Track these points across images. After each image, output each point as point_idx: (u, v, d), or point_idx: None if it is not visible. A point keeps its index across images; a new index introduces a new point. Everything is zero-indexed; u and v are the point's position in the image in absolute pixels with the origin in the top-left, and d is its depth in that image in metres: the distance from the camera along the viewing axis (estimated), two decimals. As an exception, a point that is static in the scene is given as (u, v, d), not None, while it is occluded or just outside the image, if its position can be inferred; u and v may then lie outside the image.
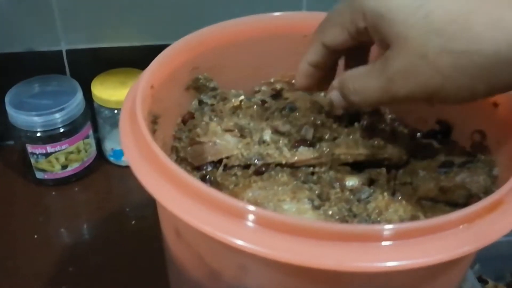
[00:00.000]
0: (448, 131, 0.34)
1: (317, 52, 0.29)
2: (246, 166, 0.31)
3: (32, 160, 0.51)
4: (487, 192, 0.29)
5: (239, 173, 0.31)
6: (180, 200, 0.23)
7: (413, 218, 0.28)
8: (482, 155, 0.30)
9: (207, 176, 0.32)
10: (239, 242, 0.21)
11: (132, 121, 0.27)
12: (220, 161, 0.32)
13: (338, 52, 0.29)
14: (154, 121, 0.30)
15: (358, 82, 0.27)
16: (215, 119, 0.34)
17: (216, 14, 0.53)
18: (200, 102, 0.35)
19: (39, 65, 0.53)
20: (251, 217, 0.22)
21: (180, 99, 0.34)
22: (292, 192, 0.29)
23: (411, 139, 0.34)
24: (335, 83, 0.29)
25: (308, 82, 0.30)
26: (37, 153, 0.51)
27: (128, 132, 0.26)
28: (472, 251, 0.23)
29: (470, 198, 0.29)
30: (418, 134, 0.34)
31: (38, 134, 0.50)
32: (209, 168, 0.32)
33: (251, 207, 0.22)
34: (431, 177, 0.30)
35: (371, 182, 0.31)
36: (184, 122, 0.34)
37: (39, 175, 0.52)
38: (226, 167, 0.31)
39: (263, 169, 0.30)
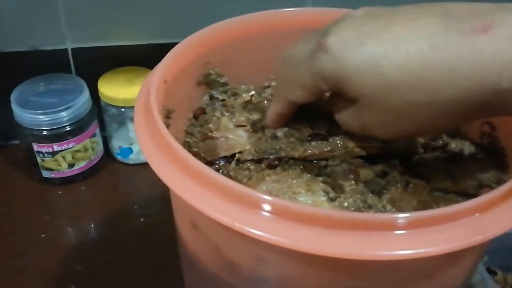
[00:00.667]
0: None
1: (282, 105, 0.30)
2: (259, 161, 0.31)
3: (39, 159, 0.51)
4: (499, 182, 0.29)
5: (252, 167, 0.31)
6: (197, 191, 0.23)
7: (427, 208, 0.28)
8: (492, 146, 0.31)
9: (220, 171, 0.32)
10: (257, 232, 0.22)
11: (147, 115, 0.27)
12: (232, 156, 0.32)
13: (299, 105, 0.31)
14: (167, 116, 0.30)
15: (343, 118, 0.29)
16: (226, 114, 0.34)
17: (221, 11, 0.53)
18: (211, 98, 0.35)
19: (44, 64, 0.53)
20: (267, 207, 0.22)
21: (192, 94, 0.34)
22: (306, 185, 0.29)
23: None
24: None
25: (276, 125, 0.32)
26: (44, 151, 0.51)
27: (143, 125, 0.27)
28: (486, 240, 0.23)
29: (481, 189, 0.30)
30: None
31: (44, 133, 0.50)
32: (222, 163, 0.32)
33: (268, 197, 0.22)
34: (443, 168, 0.31)
35: (384, 174, 0.31)
36: (195, 117, 0.34)
37: (45, 174, 0.52)
38: (238, 162, 0.31)
39: (276, 162, 0.30)
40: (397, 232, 0.22)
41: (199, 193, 0.23)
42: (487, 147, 0.31)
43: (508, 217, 0.24)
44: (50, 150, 0.51)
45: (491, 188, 0.29)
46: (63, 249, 0.47)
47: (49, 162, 0.51)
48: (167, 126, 0.30)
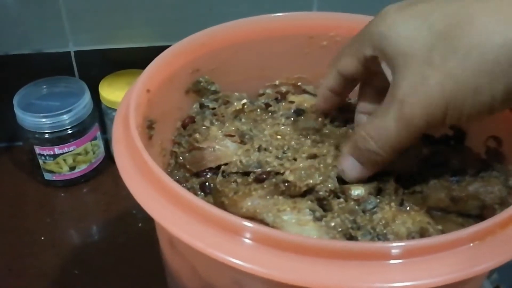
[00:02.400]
0: (462, 137, 0.32)
1: (333, 78, 0.29)
2: (246, 173, 0.30)
3: (40, 161, 0.51)
4: (503, 203, 0.27)
5: (239, 180, 0.30)
6: (171, 212, 0.22)
7: (422, 230, 0.26)
8: (497, 163, 0.28)
9: (207, 183, 0.31)
10: (233, 260, 0.20)
11: (125, 128, 0.26)
12: (219, 167, 0.31)
13: (353, 79, 0.29)
14: (150, 126, 0.29)
15: (370, 126, 0.25)
16: (216, 123, 0.33)
17: (225, 14, 0.52)
18: (202, 106, 0.34)
19: (47, 67, 0.53)
20: (247, 233, 0.21)
21: (180, 102, 0.33)
22: (293, 202, 0.27)
23: (423, 145, 0.32)
24: (345, 149, 0.27)
25: (326, 105, 0.31)
26: (45, 154, 0.51)
27: (121, 139, 0.26)
28: (485, 271, 0.22)
29: (484, 209, 0.27)
30: (430, 140, 0.33)
31: (46, 136, 0.50)
32: (209, 175, 0.31)
33: (247, 223, 0.21)
34: (442, 186, 0.28)
35: (378, 191, 0.29)
36: (184, 126, 0.33)
37: (47, 176, 0.52)
38: (224, 174, 0.30)
39: (264, 176, 0.29)
40: (391, 261, 0.21)
41: (173, 215, 0.22)
42: (492, 164, 0.29)
43: (509, 245, 0.22)
44: (52, 153, 0.50)
45: (494, 209, 0.27)
46: (62, 252, 0.47)
47: (50, 164, 0.51)
48: (150, 137, 0.29)
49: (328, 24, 0.34)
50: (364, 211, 0.27)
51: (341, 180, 0.28)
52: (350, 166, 0.27)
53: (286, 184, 0.27)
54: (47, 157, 0.51)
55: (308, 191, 0.27)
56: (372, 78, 0.29)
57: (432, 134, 0.33)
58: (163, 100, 0.30)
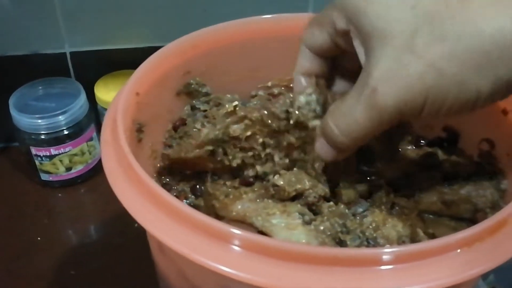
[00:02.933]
0: (455, 139, 0.32)
1: (303, 57, 0.26)
2: (234, 176, 0.30)
3: (37, 162, 0.51)
4: (494, 207, 0.26)
5: (228, 183, 0.30)
6: (158, 218, 0.22)
7: (413, 234, 0.26)
8: (490, 166, 0.28)
9: (197, 186, 0.30)
10: (221, 267, 0.20)
11: (113, 131, 0.26)
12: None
13: (323, 55, 0.26)
14: (139, 130, 0.29)
15: (338, 111, 0.23)
16: (207, 125, 0.33)
17: (220, 15, 0.51)
18: (193, 108, 0.34)
19: (43, 68, 0.53)
20: (234, 240, 0.21)
21: (171, 105, 0.33)
22: (282, 206, 0.27)
23: (415, 147, 0.32)
24: (317, 130, 0.25)
25: (300, 88, 0.27)
26: (41, 155, 0.51)
27: (109, 142, 0.26)
28: (474, 277, 0.21)
29: (476, 213, 0.27)
30: (423, 141, 0.32)
31: (42, 137, 0.50)
32: (199, 178, 0.31)
33: (234, 230, 0.21)
34: (434, 189, 0.28)
35: (369, 194, 0.29)
36: (175, 128, 0.33)
37: (44, 177, 0.52)
38: (214, 177, 0.30)
39: (251, 180, 0.29)
40: (381, 267, 0.20)
41: (159, 221, 0.22)
42: (485, 167, 0.29)
43: (496, 252, 0.21)
44: (48, 153, 0.50)
45: (486, 213, 0.26)
46: (58, 253, 0.47)
47: (47, 165, 0.51)
48: (139, 140, 0.29)
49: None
50: (354, 215, 0.27)
51: (333, 184, 0.28)
52: (323, 149, 0.25)
53: (275, 188, 0.27)
54: (43, 158, 0.51)
55: (297, 196, 0.27)
56: (342, 58, 0.26)
57: (425, 136, 0.33)
58: (153, 102, 0.30)
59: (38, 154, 0.50)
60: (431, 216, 0.28)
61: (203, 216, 0.21)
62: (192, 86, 0.33)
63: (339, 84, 0.27)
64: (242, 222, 0.27)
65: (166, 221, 0.22)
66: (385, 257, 0.21)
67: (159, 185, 0.23)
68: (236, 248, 0.21)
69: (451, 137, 0.32)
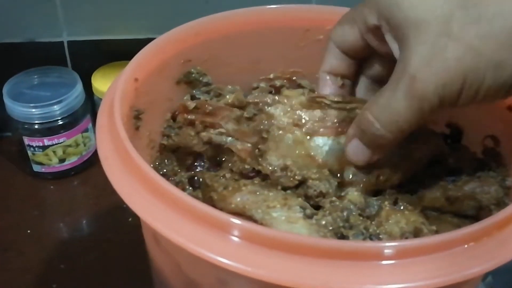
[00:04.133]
0: (459, 135, 0.31)
1: (331, 56, 0.26)
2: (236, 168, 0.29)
3: (29, 153, 0.50)
4: (499, 204, 0.26)
5: (228, 175, 0.29)
6: (155, 207, 0.21)
7: (416, 230, 0.26)
8: (494, 163, 0.28)
9: (195, 178, 0.30)
10: (218, 259, 0.19)
11: (110, 116, 0.25)
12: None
13: (353, 55, 0.26)
14: (137, 117, 0.28)
15: (377, 105, 0.22)
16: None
17: (221, 6, 0.50)
18: (193, 98, 0.33)
19: (40, 56, 0.52)
20: (233, 230, 0.20)
21: (170, 93, 0.32)
22: (283, 199, 0.26)
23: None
24: (350, 131, 0.24)
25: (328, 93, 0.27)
26: (34, 145, 0.49)
27: (105, 128, 0.25)
28: (480, 274, 0.21)
29: (480, 210, 0.27)
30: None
31: (36, 126, 0.49)
32: (198, 169, 0.30)
33: (234, 220, 0.20)
34: (438, 185, 0.28)
35: (376, 192, 0.28)
36: (174, 118, 0.32)
37: (36, 168, 0.51)
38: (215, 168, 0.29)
39: (253, 174, 0.28)
40: (382, 262, 0.20)
41: (155, 209, 0.21)
42: (489, 164, 0.28)
43: (505, 248, 0.21)
44: (41, 144, 0.49)
45: (490, 210, 0.26)
46: (48, 246, 0.46)
47: (40, 156, 0.50)
48: (137, 128, 0.28)
49: (325, 17, 0.33)
50: (368, 217, 0.26)
51: (339, 182, 0.27)
52: (355, 149, 0.24)
53: (280, 173, 0.26)
54: (36, 149, 0.50)
55: (300, 184, 0.27)
56: (368, 64, 0.26)
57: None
58: (152, 89, 0.29)
59: (31, 144, 0.49)
60: (434, 212, 0.28)
61: (201, 204, 0.21)
62: (193, 75, 0.32)
63: (363, 90, 0.27)
64: (241, 215, 0.26)
65: (163, 209, 0.21)
66: (387, 251, 0.20)
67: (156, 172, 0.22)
68: (235, 238, 0.20)
69: (455, 133, 0.31)
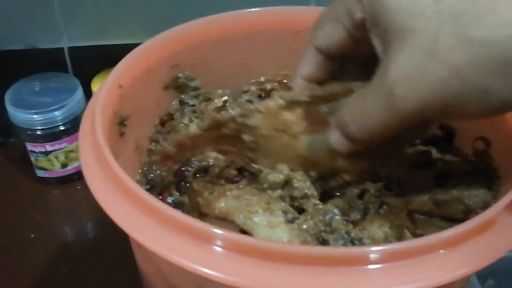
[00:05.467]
0: (451, 137, 0.30)
1: (310, 61, 0.24)
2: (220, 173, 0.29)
3: (32, 158, 0.51)
4: (487, 207, 0.25)
5: (215, 179, 0.29)
6: (130, 214, 0.21)
7: (400, 235, 0.25)
8: (484, 166, 0.27)
9: (182, 183, 0.30)
10: (200, 269, 0.19)
11: (92, 124, 0.25)
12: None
13: (336, 56, 0.24)
14: (121, 123, 0.28)
15: (354, 108, 0.22)
16: (196, 121, 0.32)
17: (223, 10, 0.51)
18: (182, 102, 0.33)
19: (41, 63, 0.53)
20: (214, 239, 0.20)
21: (159, 98, 0.32)
22: (266, 203, 0.26)
23: (409, 145, 0.31)
24: (333, 121, 0.24)
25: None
26: (37, 151, 0.50)
27: (87, 135, 0.25)
28: (463, 276, 0.20)
29: (468, 214, 0.26)
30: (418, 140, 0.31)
31: (38, 132, 0.49)
32: (186, 174, 0.30)
33: (213, 229, 0.20)
34: (426, 188, 0.27)
35: (361, 195, 0.28)
36: (162, 123, 0.32)
37: (39, 173, 0.52)
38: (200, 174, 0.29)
39: (237, 178, 0.28)
40: (367, 267, 0.19)
41: (133, 218, 0.21)
42: (479, 166, 0.27)
43: (486, 251, 0.20)
44: (43, 149, 0.50)
45: (478, 214, 0.25)
46: (50, 249, 0.47)
47: (42, 161, 0.51)
48: (122, 134, 0.28)
49: (315, 19, 0.33)
50: (353, 222, 0.26)
51: (323, 193, 0.27)
52: (337, 140, 0.23)
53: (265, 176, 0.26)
54: (38, 154, 0.50)
55: (286, 185, 0.26)
56: (357, 50, 0.24)
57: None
58: (139, 95, 0.30)
59: (34, 150, 0.50)
60: (422, 216, 0.27)
61: (179, 213, 0.20)
62: (181, 80, 0.33)
63: (350, 72, 0.25)
64: (224, 220, 0.26)
65: (143, 219, 0.21)
66: (370, 255, 0.20)
67: (136, 182, 0.22)
68: (218, 248, 0.20)
69: (447, 135, 0.30)
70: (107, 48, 0.54)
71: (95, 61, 0.54)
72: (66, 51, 0.53)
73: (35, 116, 0.48)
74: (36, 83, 0.52)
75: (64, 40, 0.53)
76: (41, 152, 0.50)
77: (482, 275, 0.40)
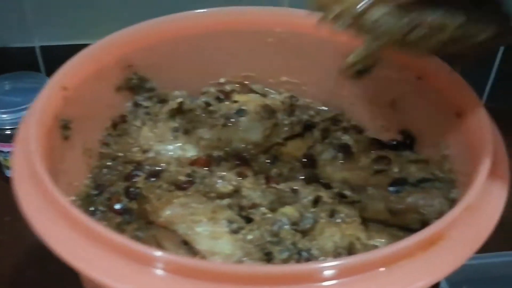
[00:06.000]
0: (411, 143, 0.29)
1: None
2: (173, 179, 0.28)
3: (1, 158, 0.50)
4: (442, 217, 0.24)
5: (164, 185, 0.28)
6: (67, 237, 0.20)
7: (350, 245, 0.24)
8: (441, 173, 0.26)
9: (131, 189, 0.28)
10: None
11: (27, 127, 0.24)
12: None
13: None
14: (65, 126, 0.27)
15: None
16: (149, 123, 0.31)
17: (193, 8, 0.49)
18: (136, 104, 0.32)
19: (12, 62, 0.52)
20: (155, 262, 0.18)
21: (110, 100, 0.31)
22: (212, 212, 0.25)
23: (370, 150, 0.30)
24: None
25: None
26: (6, 151, 0.49)
27: (22, 140, 0.24)
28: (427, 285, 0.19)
29: (425, 223, 0.25)
30: (378, 144, 0.30)
31: (7, 132, 0.48)
32: (136, 179, 0.29)
33: (150, 250, 0.18)
34: (381, 196, 0.26)
35: (315, 202, 0.26)
36: (114, 126, 0.31)
37: (8, 173, 0.51)
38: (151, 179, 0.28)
39: (186, 185, 0.27)
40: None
41: (67, 240, 0.20)
42: (436, 173, 0.26)
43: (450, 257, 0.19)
44: (12, 149, 0.49)
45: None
46: (19, 252, 0.46)
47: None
48: (66, 138, 0.27)
49: (273, 19, 0.32)
50: (302, 232, 0.24)
51: (277, 201, 0.26)
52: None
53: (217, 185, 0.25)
54: (7, 154, 0.49)
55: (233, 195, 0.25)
56: None
57: (381, 138, 0.30)
58: (87, 97, 0.28)
59: (2, 150, 0.49)
60: (379, 225, 0.26)
61: (117, 236, 0.19)
62: (133, 81, 0.31)
63: None
64: (167, 229, 0.25)
65: (78, 241, 0.20)
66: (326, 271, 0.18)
67: (84, 187, 0.21)
68: (158, 271, 0.18)
69: (407, 140, 0.29)
70: (80, 48, 0.52)
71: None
72: (37, 50, 0.52)
73: (4, 116, 0.47)
74: (6, 83, 0.51)
75: (35, 40, 0.51)
76: (10, 152, 0.49)
77: (456, 282, 0.39)
